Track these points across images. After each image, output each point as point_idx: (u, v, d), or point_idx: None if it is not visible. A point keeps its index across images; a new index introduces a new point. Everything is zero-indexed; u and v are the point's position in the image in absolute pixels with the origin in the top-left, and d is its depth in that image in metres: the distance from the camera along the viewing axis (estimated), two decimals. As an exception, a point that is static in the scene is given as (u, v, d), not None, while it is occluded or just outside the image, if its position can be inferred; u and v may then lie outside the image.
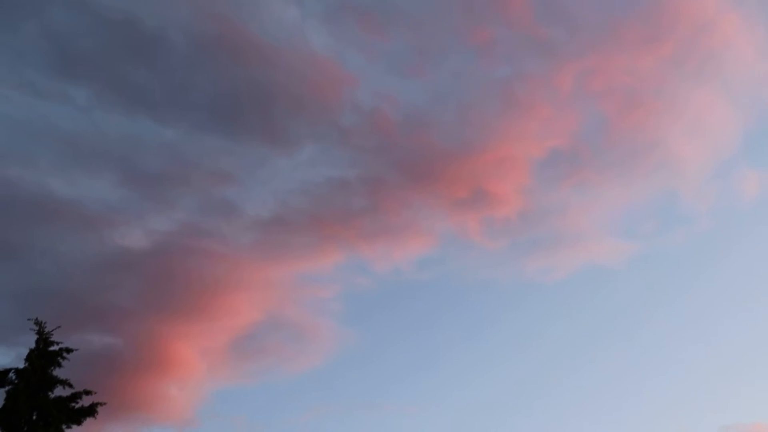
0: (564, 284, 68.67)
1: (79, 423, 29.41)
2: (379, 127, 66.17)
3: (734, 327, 70.77)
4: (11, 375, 29.00)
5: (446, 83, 70.56)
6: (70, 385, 29.34)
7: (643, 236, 68.29)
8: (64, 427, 29.12)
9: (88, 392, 29.44)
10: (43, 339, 29.56)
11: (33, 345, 29.58)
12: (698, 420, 68.41)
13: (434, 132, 67.63)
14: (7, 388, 28.82)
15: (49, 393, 29.22)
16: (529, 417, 70.37)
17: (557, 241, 67.26)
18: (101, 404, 29.58)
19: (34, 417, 28.70)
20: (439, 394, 71.85)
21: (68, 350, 29.63)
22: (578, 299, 70.72)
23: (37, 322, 29.75)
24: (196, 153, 66.48)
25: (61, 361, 29.48)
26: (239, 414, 68.03)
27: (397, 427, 69.78)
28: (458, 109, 68.36)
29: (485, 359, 71.77)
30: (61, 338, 29.88)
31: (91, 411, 29.38)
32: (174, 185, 64.53)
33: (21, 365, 29.21)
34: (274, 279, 65.19)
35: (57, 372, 29.43)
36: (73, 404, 29.30)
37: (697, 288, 70.58)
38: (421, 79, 69.47)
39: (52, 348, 29.53)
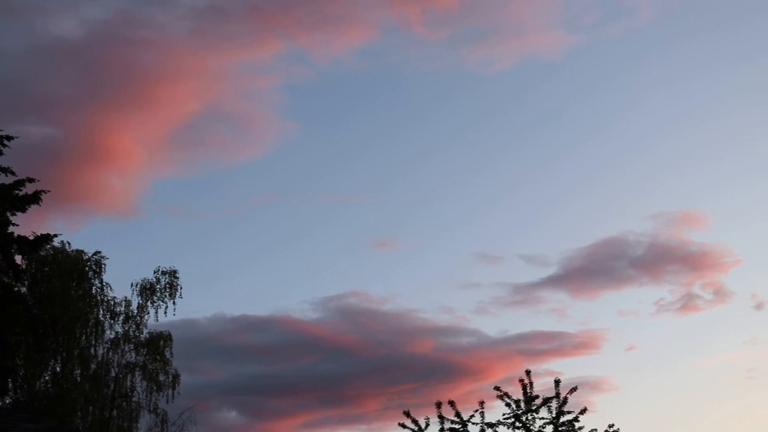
0: (504, 76, 69.02)
1: (23, 210, 29.40)
2: None
3: (669, 116, 72.64)
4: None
5: None
6: (13, 173, 29.15)
7: (584, 28, 68.26)
8: (8, 214, 29.20)
9: (31, 180, 29.23)
10: (-19, 126, 29.12)
11: (-29, 132, 29.14)
12: (627, 208, 71.47)
13: None
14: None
15: (-9, 181, 29.10)
16: (465, 206, 72.66)
17: (498, 32, 66.89)
18: (45, 192, 29.48)
19: (-23, 203, 28.68)
20: (382, 184, 73.48)
21: (8, 138, 29.13)
22: (518, 91, 71.43)
23: (-25, 109, 29.25)
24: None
25: (2, 149, 29.19)
26: (180, 203, 68.99)
27: (341, 216, 71.67)
28: None
29: (426, 150, 73.06)
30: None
31: (35, 198, 29.32)
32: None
33: (-41, 152, 28.88)
34: (212, 69, 64.34)
35: (-2, 160, 29.21)
36: (16, 192, 29.19)
37: (634, 79, 71.65)
38: None
39: (-9, 135, 29.15)
